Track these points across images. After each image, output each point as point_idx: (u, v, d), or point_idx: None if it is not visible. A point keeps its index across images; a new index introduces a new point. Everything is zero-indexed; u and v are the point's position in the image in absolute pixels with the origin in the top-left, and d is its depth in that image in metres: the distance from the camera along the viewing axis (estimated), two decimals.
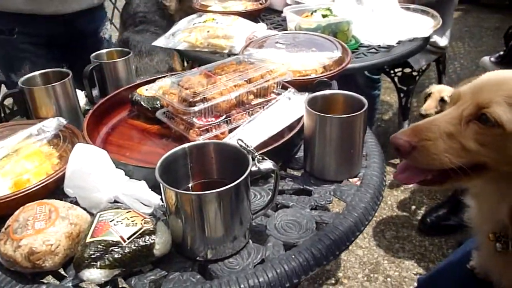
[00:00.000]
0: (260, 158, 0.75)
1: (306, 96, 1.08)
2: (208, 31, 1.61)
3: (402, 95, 2.59)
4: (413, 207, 2.40)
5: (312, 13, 1.63)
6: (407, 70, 2.53)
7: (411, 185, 2.40)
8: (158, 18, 2.24)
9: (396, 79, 2.58)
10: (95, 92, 1.28)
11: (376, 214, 2.37)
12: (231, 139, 0.98)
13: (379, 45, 1.57)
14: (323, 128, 0.89)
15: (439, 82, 2.96)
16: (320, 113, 0.88)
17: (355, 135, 0.89)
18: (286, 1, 1.88)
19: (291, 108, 1.05)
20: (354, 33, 1.61)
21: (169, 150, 1.03)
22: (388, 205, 2.40)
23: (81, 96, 1.22)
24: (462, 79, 3.72)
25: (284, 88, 1.14)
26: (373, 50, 1.56)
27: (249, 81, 1.08)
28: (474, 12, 5.20)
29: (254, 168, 0.74)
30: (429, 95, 2.19)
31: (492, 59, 2.19)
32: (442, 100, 2.20)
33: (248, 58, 1.22)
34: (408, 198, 2.46)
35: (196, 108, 0.98)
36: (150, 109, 1.14)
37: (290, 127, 1.01)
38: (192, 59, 1.65)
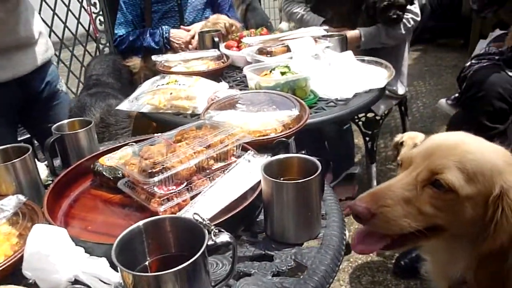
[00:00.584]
0: (216, 231, 0.77)
1: (265, 158, 1.11)
2: (171, 93, 1.64)
3: (367, 139, 2.66)
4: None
5: (271, 71, 1.68)
6: (371, 115, 2.62)
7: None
8: (112, 80, 2.29)
9: (360, 123, 2.66)
10: (58, 162, 1.28)
11: (351, 259, 2.39)
12: (192, 207, 0.99)
13: (337, 99, 1.63)
14: (280, 193, 0.91)
15: (403, 123, 3.07)
16: (275, 179, 0.90)
17: (311, 198, 0.92)
18: (246, 58, 1.95)
19: (251, 171, 1.08)
20: (312, 88, 1.67)
21: (131, 221, 1.04)
22: None
23: (42, 168, 1.22)
24: (425, 118, 3.86)
25: (244, 150, 1.17)
26: (331, 104, 1.62)
27: (208, 146, 1.11)
28: (432, 51, 5.45)
29: (210, 242, 0.75)
30: (401, 143, 2.26)
31: (449, 101, 2.29)
32: (415, 146, 2.27)
33: (209, 122, 1.26)
34: None
35: (155, 179, 0.99)
36: (112, 178, 1.15)
37: (251, 191, 1.03)
38: (156, 121, 1.68)
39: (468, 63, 2.12)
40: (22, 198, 1.01)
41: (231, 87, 1.80)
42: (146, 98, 1.68)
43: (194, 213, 0.77)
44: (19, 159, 1.07)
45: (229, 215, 0.93)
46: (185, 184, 1.05)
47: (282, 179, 0.96)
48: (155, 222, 0.79)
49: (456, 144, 0.79)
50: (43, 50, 1.89)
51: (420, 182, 0.78)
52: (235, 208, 0.97)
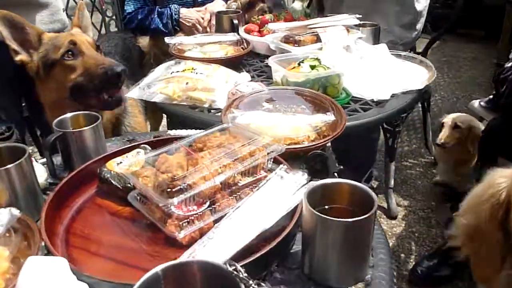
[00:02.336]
0: (256, 286, 0.61)
1: (301, 175, 0.95)
2: (187, 83, 1.47)
3: (388, 135, 2.50)
4: (402, 255, 2.29)
5: (299, 64, 1.51)
6: None
7: None
8: (121, 61, 2.10)
9: None
10: (58, 159, 1.12)
11: None
12: (215, 233, 0.84)
13: (373, 100, 1.47)
14: (326, 230, 0.76)
15: (424, 119, 2.90)
16: (322, 214, 0.75)
17: (363, 239, 0.77)
18: (270, 46, 1.77)
19: (284, 191, 0.92)
20: (345, 86, 1.50)
21: (142, 243, 0.89)
22: None
23: (40, 170, 1.06)
24: (444, 112, 3.68)
25: (275, 161, 1.01)
26: (366, 105, 1.46)
27: (236, 159, 0.94)
28: (451, 41, 5.23)
29: None
30: (442, 124, 2.16)
31: (482, 103, 2.12)
32: (456, 127, 2.15)
33: (233, 126, 1.09)
34: (396, 245, 2.35)
35: (175, 200, 0.83)
36: (121, 188, 0.99)
37: (286, 216, 0.88)
38: (168, 113, 1.51)
39: (510, 64, 1.94)
40: (15, 212, 0.85)
41: (252, 78, 1.63)
42: (158, 86, 1.51)
43: (228, 262, 0.62)
44: (14, 164, 0.91)
45: (264, 251, 0.77)
46: (208, 204, 0.89)
47: (327, 207, 0.80)
48: (178, 267, 0.63)
49: None
50: (47, 20, 1.74)
51: None
52: (267, 237, 0.82)
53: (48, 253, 0.81)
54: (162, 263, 0.78)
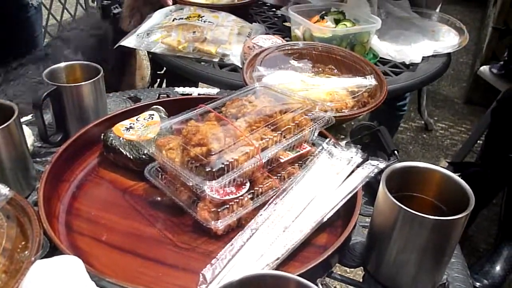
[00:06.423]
0: None
1: (353, 152, 0.80)
2: (194, 32, 1.27)
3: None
4: None
5: (322, 17, 1.32)
6: None
7: None
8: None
9: None
10: (47, 117, 0.92)
11: None
12: (258, 222, 0.68)
13: (404, 62, 1.31)
14: (407, 226, 0.61)
15: None
16: (407, 208, 0.60)
17: (451, 241, 0.63)
18: None
19: (338, 171, 0.77)
20: (372, 45, 1.33)
21: (165, 229, 0.72)
22: None
23: (27, 133, 0.86)
24: None
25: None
26: (396, 69, 1.30)
27: (276, 129, 0.78)
28: None
29: None
30: None
31: (494, 70, 2.00)
32: None
33: (263, 87, 0.92)
34: None
35: (214, 183, 0.66)
36: (132, 159, 0.81)
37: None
38: (169, 66, 1.30)
39: None
40: (5, 191, 0.66)
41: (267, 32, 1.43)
42: (159, 34, 1.29)
43: (323, 282, 0.46)
44: (1, 126, 0.70)
45: (332, 249, 0.63)
46: (247, 186, 0.73)
47: (404, 193, 0.66)
48: (256, 279, 0.47)
49: None
50: None
51: None
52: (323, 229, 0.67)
53: (52, 247, 0.64)
54: (193, 257, 0.65)
